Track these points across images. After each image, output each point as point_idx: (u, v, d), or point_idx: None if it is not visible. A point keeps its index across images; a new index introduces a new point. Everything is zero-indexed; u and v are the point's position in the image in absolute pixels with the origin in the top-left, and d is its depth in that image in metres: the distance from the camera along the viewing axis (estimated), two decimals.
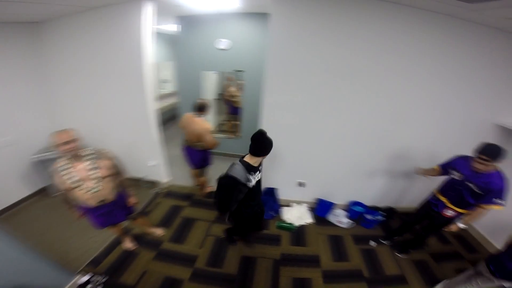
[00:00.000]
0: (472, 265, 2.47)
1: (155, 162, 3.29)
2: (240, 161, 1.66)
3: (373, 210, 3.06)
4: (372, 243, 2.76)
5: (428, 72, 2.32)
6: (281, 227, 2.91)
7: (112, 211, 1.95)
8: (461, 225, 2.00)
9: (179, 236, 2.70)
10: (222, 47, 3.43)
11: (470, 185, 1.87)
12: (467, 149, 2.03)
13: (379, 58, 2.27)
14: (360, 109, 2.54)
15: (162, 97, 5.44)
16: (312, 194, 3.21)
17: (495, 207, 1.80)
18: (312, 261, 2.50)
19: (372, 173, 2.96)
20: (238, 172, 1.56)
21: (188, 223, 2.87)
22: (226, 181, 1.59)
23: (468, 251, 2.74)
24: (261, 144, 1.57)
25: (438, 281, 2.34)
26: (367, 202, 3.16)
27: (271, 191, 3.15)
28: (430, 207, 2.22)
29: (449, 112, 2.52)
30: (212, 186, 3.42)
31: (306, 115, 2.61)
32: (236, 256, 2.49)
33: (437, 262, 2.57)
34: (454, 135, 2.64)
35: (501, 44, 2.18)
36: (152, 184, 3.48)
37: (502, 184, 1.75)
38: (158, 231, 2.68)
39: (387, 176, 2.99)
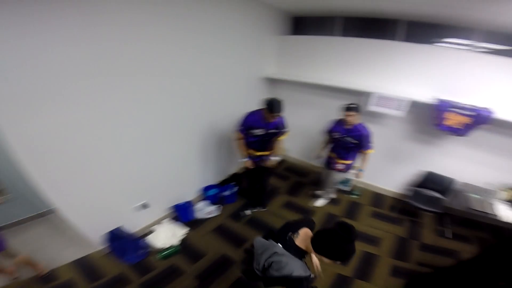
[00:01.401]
0: (312, 185, 3.42)
1: None
2: (287, 248, 1.17)
3: (225, 185, 3.07)
4: (248, 212, 2.85)
5: (212, 46, 2.45)
6: (165, 256, 2.23)
7: None
8: (275, 158, 2.62)
9: None
10: None
11: (272, 131, 2.31)
12: (254, 103, 2.53)
13: (163, 49, 2.02)
14: (163, 103, 2.22)
15: None
16: (162, 206, 2.66)
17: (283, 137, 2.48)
18: (226, 263, 2.23)
19: (200, 154, 2.87)
20: (299, 268, 1.11)
21: None
22: (292, 284, 1.14)
23: (303, 177, 3.69)
24: (344, 250, 1.04)
25: (307, 211, 2.92)
26: (214, 181, 3.19)
27: (118, 232, 2.22)
28: (255, 163, 2.52)
29: (234, 77, 2.95)
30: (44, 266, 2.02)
31: (102, 134, 1.88)
32: None
33: (295, 196, 3.21)
34: (244, 94, 3.16)
35: (263, 15, 2.92)
36: None
37: (282, 120, 2.38)
38: None
39: (212, 151, 3.02)
